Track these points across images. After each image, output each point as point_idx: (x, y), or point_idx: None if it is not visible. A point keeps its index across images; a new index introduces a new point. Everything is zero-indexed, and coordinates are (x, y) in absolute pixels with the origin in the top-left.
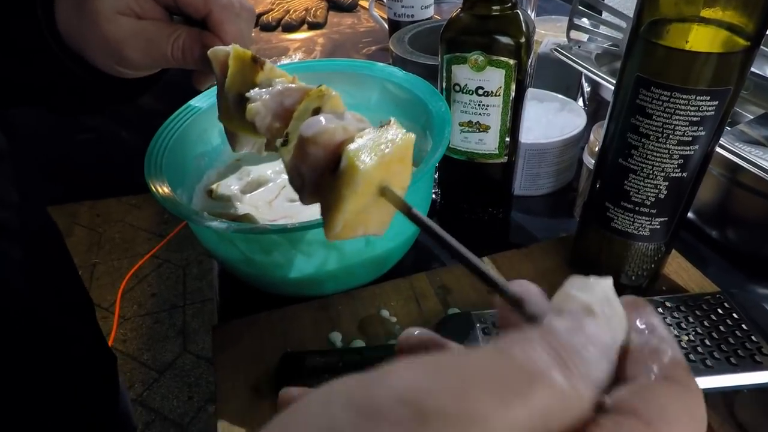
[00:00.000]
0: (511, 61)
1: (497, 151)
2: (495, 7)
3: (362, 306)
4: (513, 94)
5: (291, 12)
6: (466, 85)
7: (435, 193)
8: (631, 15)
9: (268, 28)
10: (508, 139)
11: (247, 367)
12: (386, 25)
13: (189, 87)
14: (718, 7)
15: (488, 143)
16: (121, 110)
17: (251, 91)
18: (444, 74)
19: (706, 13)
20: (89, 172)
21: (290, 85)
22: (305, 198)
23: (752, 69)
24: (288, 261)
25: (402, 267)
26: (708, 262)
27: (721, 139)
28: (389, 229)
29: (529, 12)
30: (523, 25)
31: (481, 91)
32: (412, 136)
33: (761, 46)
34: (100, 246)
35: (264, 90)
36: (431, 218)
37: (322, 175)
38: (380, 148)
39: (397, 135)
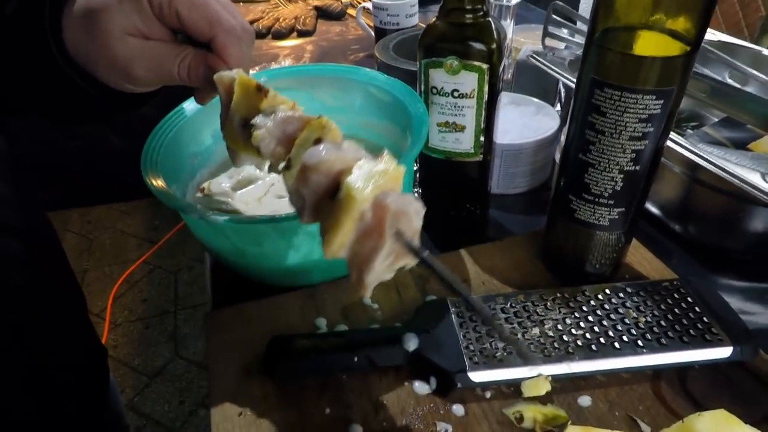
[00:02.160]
0: (484, 66)
1: (473, 150)
2: (468, 16)
3: (346, 294)
4: (486, 96)
5: (281, 20)
6: (442, 87)
7: (416, 191)
8: None
9: (258, 35)
10: (482, 138)
11: (238, 351)
12: (373, 33)
13: (178, 94)
14: (661, 16)
15: (464, 143)
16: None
17: (256, 118)
18: (422, 77)
19: (651, 20)
20: (79, 179)
21: (292, 113)
22: (304, 217)
23: (711, 74)
24: (277, 252)
25: None
26: (671, 254)
27: (684, 139)
28: None
29: (508, 20)
30: (495, 32)
31: (456, 94)
32: (403, 168)
33: (719, 53)
34: (90, 252)
35: (268, 117)
36: None
37: (321, 199)
38: (374, 179)
39: (390, 167)
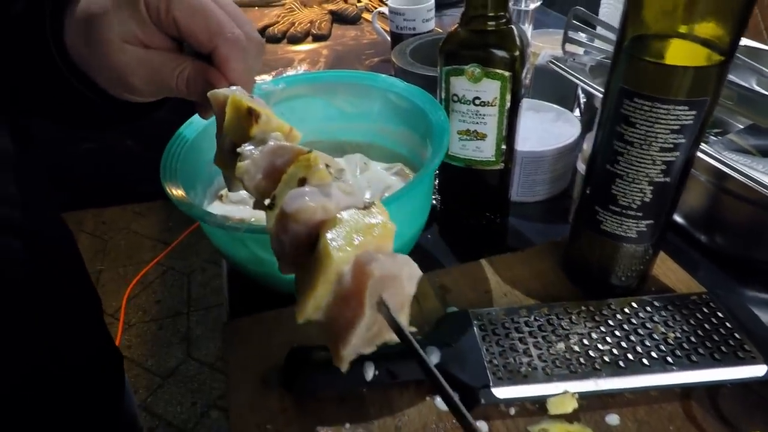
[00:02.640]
0: (506, 73)
1: (494, 158)
2: (491, 23)
3: None
4: (508, 104)
5: (296, 24)
6: (463, 95)
7: (435, 199)
8: None
9: (273, 39)
10: (504, 146)
11: (256, 361)
12: (389, 38)
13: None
14: (695, 24)
15: (485, 151)
16: None
17: (243, 146)
18: (443, 85)
19: (683, 29)
20: (94, 180)
21: (283, 143)
22: (283, 267)
23: (738, 81)
24: None
25: None
26: (697, 265)
27: (710, 147)
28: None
29: (526, 25)
30: (518, 39)
31: (477, 102)
32: (393, 227)
33: (746, 60)
34: (105, 253)
35: (256, 147)
36: (431, 224)
37: (300, 250)
38: (358, 235)
39: (378, 224)
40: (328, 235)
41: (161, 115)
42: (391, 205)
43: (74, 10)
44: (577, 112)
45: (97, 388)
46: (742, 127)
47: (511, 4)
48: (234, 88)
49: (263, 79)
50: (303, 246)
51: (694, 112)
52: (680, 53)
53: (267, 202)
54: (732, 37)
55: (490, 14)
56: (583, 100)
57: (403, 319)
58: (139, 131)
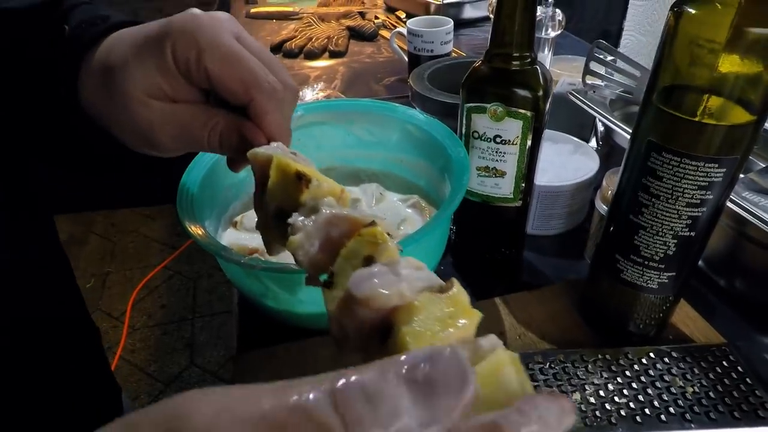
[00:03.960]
0: (529, 113)
1: (512, 196)
2: (515, 63)
3: None
4: (529, 142)
5: (313, 40)
6: (484, 133)
7: (451, 229)
8: (643, 63)
9: (290, 54)
10: (523, 184)
11: None
12: (405, 57)
13: None
14: (730, 81)
15: (504, 188)
16: None
17: (293, 216)
18: (464, 121)
19: (717, 85)
20: (105, 182)
21: (338, 211)
22: (346, 354)
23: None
24: (311, 298)
25: None
26: (715, 311)
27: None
28: None
29: (546, 52)
30: (541, 78)
31: (498, 140)
32: (479, 315)
33: None
34: (113, 255)
35: (307, 217)
36: (445, 255)
37: (368, 339)
38: (438, 331)
39: (461, 317)
40: (404, 329)
41: None
42: (410, 245)
43: (90, 63)
44: (593, 142)
45: (92, 421)
46: (763, 165)
47: None
48: (275, 145)
49: None
50: (371, 333)
51: (723, 170)
52: (712, 110)
53: (323, 278)
54: (766, 96)
55: (515, 54)
56: (600, 129)
57: None
58: None
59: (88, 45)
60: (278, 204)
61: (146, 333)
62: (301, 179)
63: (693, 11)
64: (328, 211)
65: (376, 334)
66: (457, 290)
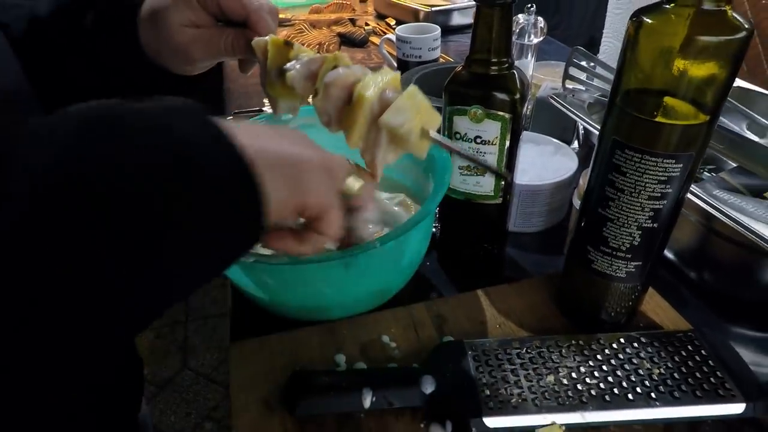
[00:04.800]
0: (507, 115)
1: (493, 193)
2: (494, 68)
3: (365, 331)
4: (508, 142)
5: (305, 46)
6: (465, 133)
7: (435, 227)
8: None
9: None
10: (503, 182)
11: (260, 384)
12: (395, 63)
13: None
14: (684, 84)
15: (485, 186)
16: None
17: (287, 64)
18: (446, 123)
19: (673, 87)
20: None
21: (314, 56)
22: (332, 127)
23: (729, 125)
24: (302, 292)
25: (402, 296)
26: (686, 302)
27: (701, 186)
28: (391, 263)
29: (529, 58)
30: (518, 83)
31: (479, 140)
32: (398, 74)
33: (737, 104)
34: None
35: (296, 62)
36: (431, 251)
37: (341, 107)
38: (377, 83)
39: (388, 74)
40: (359, 86)
41: None
42: (395, 240)
43: (141, 11)
44: (575, 144)
45: (117, 393)
46: (734, 165)
47: (515, 38)
48: (269, 35)
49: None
50: (343, 104)
51: (680, 165)
52: (669, 111)
53: (312, 96)
54: (719, 98)
55: (494, 59)
56: (581, 132)
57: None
58: None
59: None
60: (277, 66)
61: (139, 336)
62: (287, 44)
63: (650, 21)
64: (307, 57)
65: (346, 102)
66: (385, 67)
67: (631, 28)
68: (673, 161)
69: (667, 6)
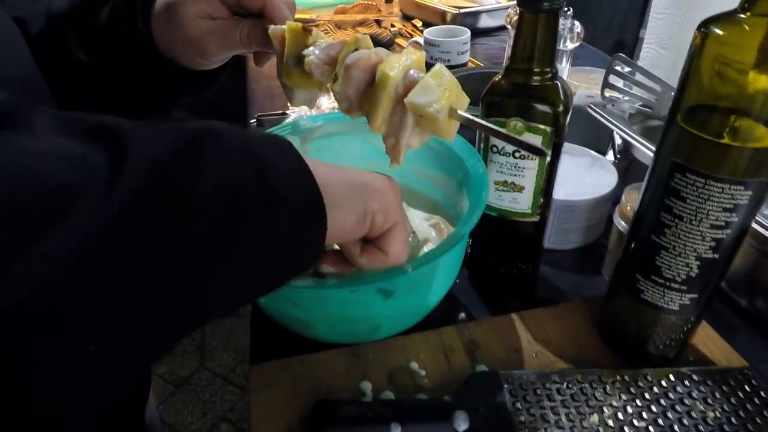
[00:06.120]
0: (549, 128)
1: (530, 211)
2: (536, 78)
3: (392, 356)
4: (549, 157)
5: None
6: (503, 147)
7: (467, 244)
8: (663, 77)
9: None
10: (541, 199)
11: (281, 410)
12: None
13: (224, 109)
14: (757, 102)
15: (522, 203)
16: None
17: (306, 50)
18: (483, 135)
19: (744, 106)
20: None
21: (332, 41)
22: (354, 113)
23: None
24: (329, 313)
25: (430, 315)
26: (737, 332)
27: None
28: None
29: (564, 64)
30: (562, 93)
31: (517, 155)
32: (423, 54)
33: None
34: None
35: (315, 48)
36: (461, 269)
37: (363, 90)
38: (401, 63)
39: (411, 56)
40: (383, 65)
41: (180, 116)
42: (427, 264)
43: (155, 4)
44: (610, 155)
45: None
46: None
47: None
48: (286, 22)
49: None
50: (365, 86)
51: (749, 192)
52: (738, 132)
53: (332, 79)
54: None
55: (536, 69)
56: (618, 143)
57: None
58: None
59: None
60: (295, 53)
61: None
62: (306, 30)
63: (720, 32)
64: (326, 42)
65: (368, 84)
66: (408, 46)
67: (697, 39)
68: (742, 188)
69: (742, 15)
